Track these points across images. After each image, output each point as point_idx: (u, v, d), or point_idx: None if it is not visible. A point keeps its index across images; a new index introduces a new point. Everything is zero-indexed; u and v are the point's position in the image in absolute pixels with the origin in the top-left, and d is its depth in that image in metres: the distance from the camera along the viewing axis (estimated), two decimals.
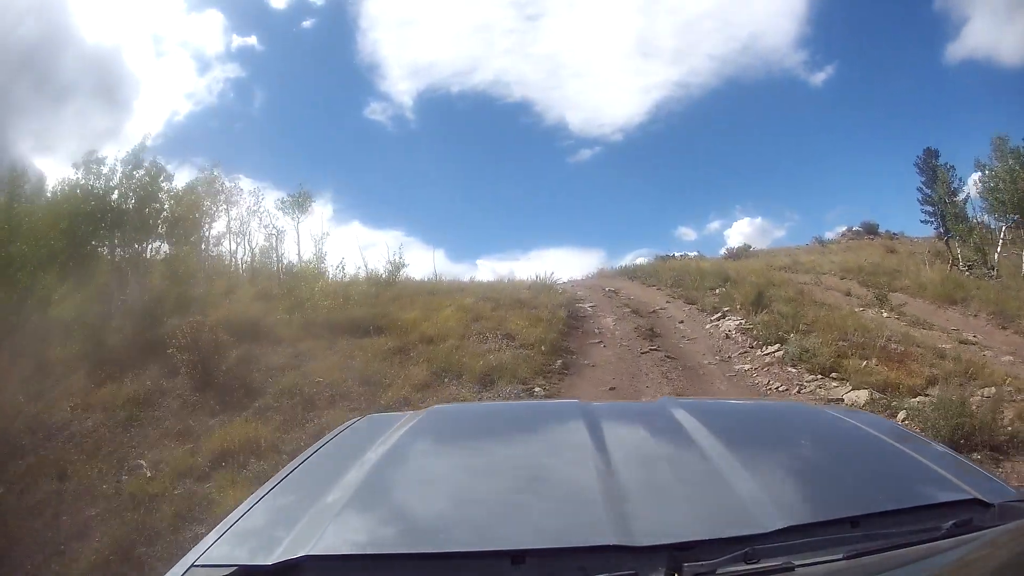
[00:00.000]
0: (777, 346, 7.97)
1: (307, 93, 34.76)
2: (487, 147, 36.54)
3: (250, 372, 7.05)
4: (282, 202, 13.81)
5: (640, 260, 31.14)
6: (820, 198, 36.57)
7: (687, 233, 31.57)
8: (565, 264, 32.82)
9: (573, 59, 35.88)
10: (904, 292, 12.84)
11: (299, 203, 13.64)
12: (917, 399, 5.86)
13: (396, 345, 7.87)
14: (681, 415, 1.29)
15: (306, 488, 1.08)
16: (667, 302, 12.64)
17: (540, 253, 34.93)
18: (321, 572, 0.81)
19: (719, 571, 0.77)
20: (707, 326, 10.06)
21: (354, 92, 34.90)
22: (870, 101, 32.73)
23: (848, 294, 13.31)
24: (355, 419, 1.53)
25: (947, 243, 18.70)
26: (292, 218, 13.64)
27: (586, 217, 36.59)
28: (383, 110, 34.33)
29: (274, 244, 14.13)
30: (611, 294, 14.18)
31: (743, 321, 9.55)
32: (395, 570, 0.83)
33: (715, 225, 35.37)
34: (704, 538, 0.81)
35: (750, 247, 25.67)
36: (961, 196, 29.66)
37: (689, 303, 12.24)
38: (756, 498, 0.89)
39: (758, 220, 31.99)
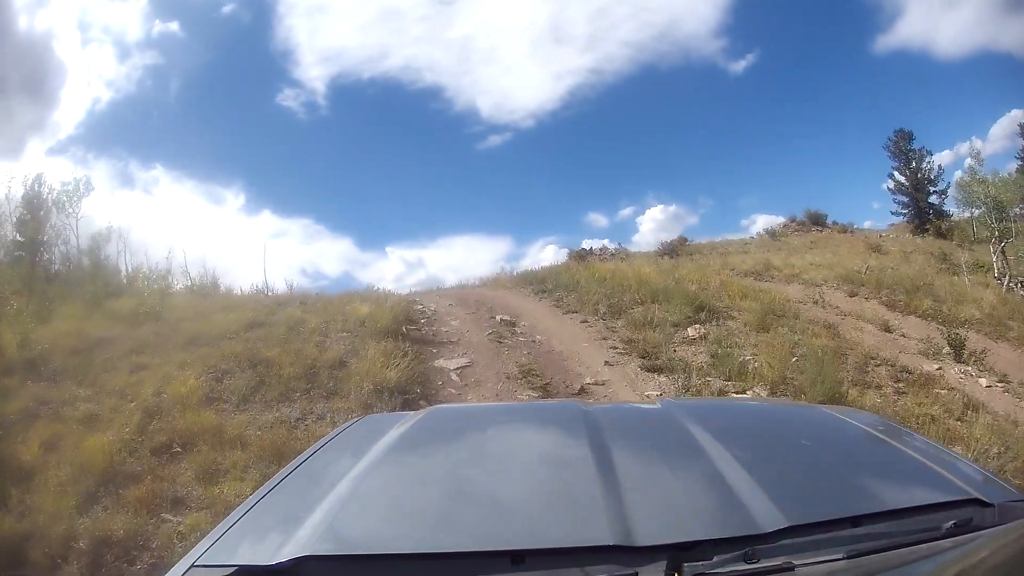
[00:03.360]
0: None
1: (224, 80, 34.09)
2: (397, 133, 35.65)
3: None
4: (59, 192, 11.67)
5: (549, 249, 30.26)
6: (736, 186, 36.15)
7: (598, 219, 30.83)
8: (472, 253, 31.23)
9: (484, 44, 35.16)
10: (968, 325, 9.07)
11: (71, 196, 11.57)
12: None
13: None
14: (681, 415, 1.27)
15: (306, 488, 1.07)
16: (612, 359, 7.24)
17: (448, 240, 33.23)
18: (321, 572, 0.79)
19: (719, 571, 0.77)
20: None
21: (268, 79, 34.55)
22: (792, 91, 32.68)
23: (888, 329, 9.14)
24: (355, 419, 1.54)
25: (1003, 251, 13.36)
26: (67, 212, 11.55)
27: (495, 204, 36.57)
28: (295, 96, 33.25)
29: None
30: (504, 330, 7.98)
31: None
32: (395, 570, 0.82)
33: (627, 212, 34.29)
34: (704, 538, 0.80)
35: (687, 240, 22.17)
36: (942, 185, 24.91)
37: (651, 367, 6.90)
38: (756, 498, 0.88)
39: (672, 207, 30.65)
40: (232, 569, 0.81)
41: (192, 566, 0.83)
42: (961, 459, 1.19)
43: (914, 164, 26.38)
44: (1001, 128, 25.74)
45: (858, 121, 32.35)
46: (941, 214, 25.89)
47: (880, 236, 23.57)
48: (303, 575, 0.78)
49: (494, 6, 34.39)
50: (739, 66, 29.47)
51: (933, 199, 25.00)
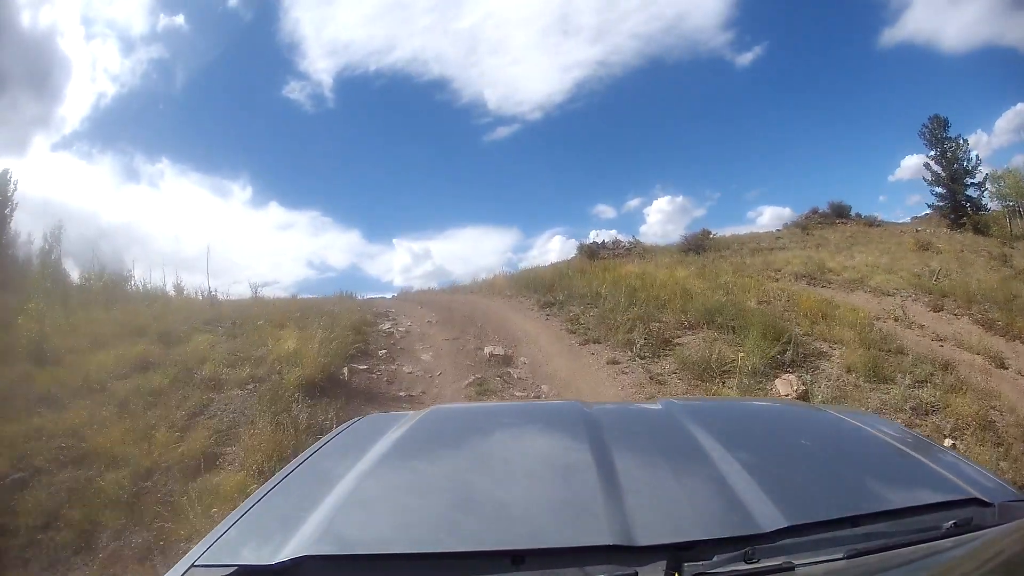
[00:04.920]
0: None
1: (230, 73, 34.03)
2: (404, 125, 36.21)
3: None
4: None
5: (556, 240, 30.80)
6: (742, 178, 37.15)
7: (605, 211, 30.90)
8: (478, 244, 32.20)
9: (492, 36, 34.63)
10: None
11: None
12: None
13: None
14: (681, 415, 1.27)
15: (306, 488, 1.06)
16: None
17: (455, 232, 34.84)
18: (321, 572, 0.80)
19: (719, 571, 0.77)
20: None
21: (275, 71, 34.95)
22: (798, 83, 32.52)
23: (1003, 364, 6.71)
24: (355, 419, 1.50)
25: None
26: None
27: (502, 195, 36.91)
28: (302, 89, 33.29)
29: None
30: (494, 373, 5.15)
31: None
32: (395, 570, 0.82)
33: (634, 203, 33.32)
34: (704, 538, 0.81)
35: (711, 232, 20.10)
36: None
37: None
38: (756, 498, 0.88)
39: (679, 199, 30.41)
40: (232, 569, 0.80)
41: (192, 566, 0.83)
42: (961, 459, 1.17)
43: (950, 154, 23.77)
44: (1007, 122, 26.47)
45: (864, 114, 32.31)
46: (978, 207, 23.48)
47: (917, 231, 21.14)
48: (303, 575, 0.78)
49: None
50: (746, 59, 29.74)
51: (971, 191, 22.50)
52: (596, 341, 6.62)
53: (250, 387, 5.18)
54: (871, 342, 6.67)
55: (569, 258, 20.02)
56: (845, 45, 31.43)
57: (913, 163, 27.46)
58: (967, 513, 0.88)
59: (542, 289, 9.31)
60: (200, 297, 10.89)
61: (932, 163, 22.99)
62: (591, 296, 8.10)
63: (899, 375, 5.76)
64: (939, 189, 22.71)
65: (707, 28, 37.09)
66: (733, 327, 6.50)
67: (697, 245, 16.41)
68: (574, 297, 8.37)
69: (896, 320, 8.30)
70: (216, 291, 11.46)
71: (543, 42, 34.73)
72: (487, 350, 6.40)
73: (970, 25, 31.54)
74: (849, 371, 5.83)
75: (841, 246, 16.21)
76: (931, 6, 30.79)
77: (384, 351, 6.67)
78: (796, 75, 32.46)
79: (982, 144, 27.18)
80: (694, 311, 7.04)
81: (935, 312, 9.05)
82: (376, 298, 16.33)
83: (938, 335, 7.76)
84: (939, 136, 23.22)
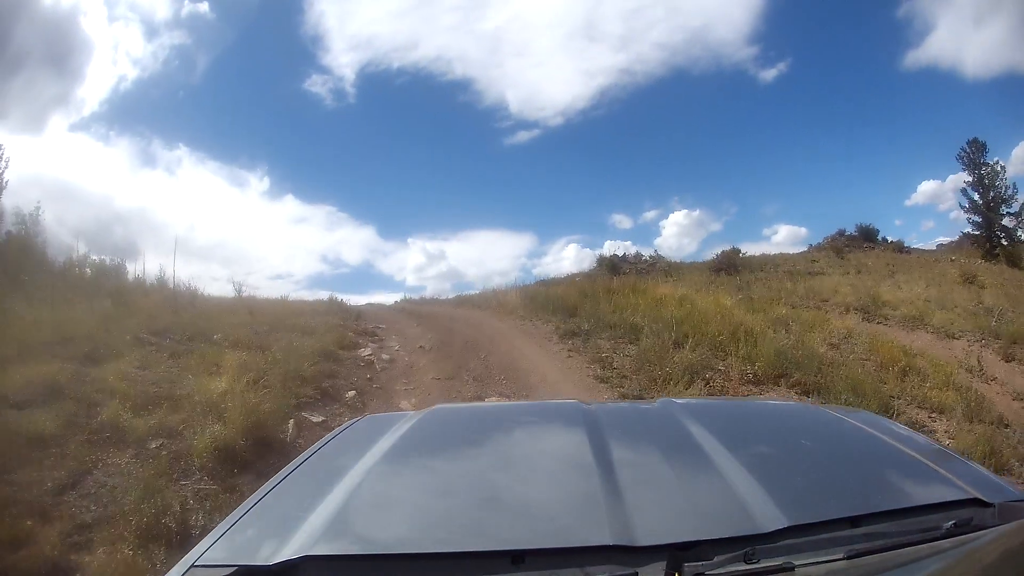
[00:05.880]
0: None
1: (251, 63, 33.47)
2: (425, 124, 35.84)
3: None
4: None
5: (571, 248, 29.70)
6: (759, 195, 36.73)
7: (622, 221, 30.70)
8: (494, 248, 32.09)
9: (517, 37, 34.35)
10: None
11: None
12: None
13: None
14: (681, 415, 1.27)
15: (306, 488, 1.07)
16: None
17: (470, 234, 34.10)
18: (321, 572, 0.80)
19: (719, 571, 0.77)
20: None
21: (297, 64, 34.94)
22: (820, 102, 32.11)
23: None
24: (355, 419, 1.51)
25: None
26: None
27: (519, 200, 36.20)
28: (323, 82, 32.61)
29: None
30: None
31: None
32: (395, 570, 0.82)
33: (651, 215, 34.07)
34: (704, 538, 0.81)
35: (739, 251, 19.19)
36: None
37: None
38: (756, 498, 0.88)
39: (696, 212, 30.05)
40: (232, 569, 0.80)
41: (192, 566, 0.83)
42: (961, 459, 1.16)
43: (987, 180, 22.45)
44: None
45: (883, 137, 31.85)
46: (1012, 238, 22.37)
47: (952, 260, 20.00)
48: (303, 575, 0.78)
49: None
50: (769, 74, 29.52)
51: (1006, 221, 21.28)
52: (638, 396, 5.16)
53: (154, 446, 3.78)
54: (972, 411, 5.44)
55: (588, 269, 18.93)
56: (869, 66, 31.40)
57: (930, 188, 27.69)
58: (967, 513, 0.88)
59: (562, 312, 7.86)
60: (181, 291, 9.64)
61: (969, 189, 21.71)
62: (624, 327, 6.67)
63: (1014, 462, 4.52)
64: (976, 217, 21.42)
65: (732, 41, 36.97)
66: (814, 385, 5.13)
67: (729, 264, 15.11)
68: (602, 326, 6.95)
69: (969, 371, 7.24)
70: (195, 287, 10.15)
71: (568, 46, 34.47)
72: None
73: (990, 50, 31.20)
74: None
75: (882, 273, 14.90)
76: (954, 29, 30.03)
77: (353, 391, 5.31)
78: (818, 93, 32.14)
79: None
80: (759, 358, 5.66)
81: (1007, 362, 7.96)
82: (372, 305, 14.93)
83: (1017, 393, 6.74)
84: (976, 161, 21.92)
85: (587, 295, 8.58)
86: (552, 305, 8.20)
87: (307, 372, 5.27)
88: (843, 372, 5.52)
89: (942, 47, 30.81)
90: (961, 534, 0.83)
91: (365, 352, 6.37)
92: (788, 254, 21.57)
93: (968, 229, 22.31)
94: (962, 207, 22.39)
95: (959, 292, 13.04)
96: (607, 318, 7.14)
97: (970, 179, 21.97)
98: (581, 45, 34.12)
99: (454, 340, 7.22)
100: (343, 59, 37.28)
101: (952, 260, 19.84)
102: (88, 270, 9.84)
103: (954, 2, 30.06)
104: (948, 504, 0.90)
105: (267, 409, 4.23)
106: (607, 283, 9.92)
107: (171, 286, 11.27)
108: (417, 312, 10.66)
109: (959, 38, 30.80)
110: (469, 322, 8.57)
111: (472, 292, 14.01)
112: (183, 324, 6.87)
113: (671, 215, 31.60)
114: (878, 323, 9.91)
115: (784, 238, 30.04)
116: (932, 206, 30.45)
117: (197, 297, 10.52)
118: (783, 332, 6.77)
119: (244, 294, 12.38)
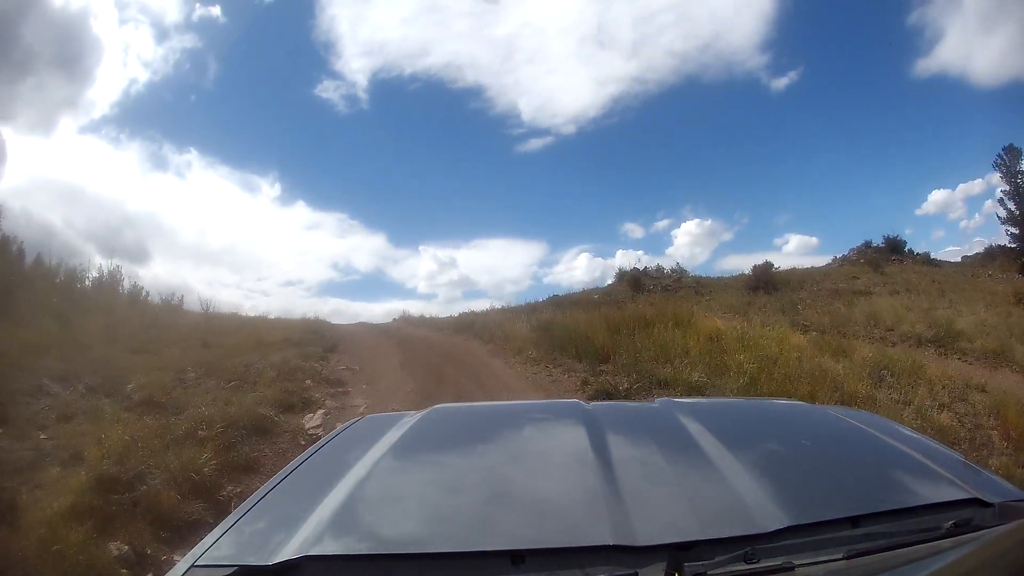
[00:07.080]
0: None
1: (263, 68, 34.24)
2: (436, 131, 35.77)
3: None
4: None
5: (583, 257, 29.48)
6: (771, 204, 36.57)
7: (634, 230, 30.53)
8: (505, 256, 32.48)
9: (529, 44, 34.43)
10: None
11: None
12: None
13: None
14: (681, 415, 1.27)
15: (306, 488, 1.07)
16: None
17: (482, 242, 33.72)
18: (321, 572, 0.80)
19: (719, 571, 0.77)
20: None
21: (309, 69, 34.46)
22: (831, 110, 32.56)
23: None
24: (355, 419, 1.52)
25: None
26: None
27: (531, 208, 36.74)
28: (335, 88, 32.74)
29: None
30: None
31: None
32: (395, 570, 0.82)
33: (663, 224, 33.09)
34: (704, 538, 0.81)
35: (773, 265, 17.80)
36: None
37: None
38: (756, 498, 0.89)
39: (708, 222, 30.15)
40: (232, 569, 0.80)
41: (192, 566, 0.83)
42: (961, 459, 1.16)
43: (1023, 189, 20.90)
44: None
45: (894, 146, 32.20)
46: None
47: (989, 276, 18.52)
48: (303, 575, 0.79)
49: (539, 5, 34.34)
50: (781, 83, 29.46)
51: None
52: None
53: None
54: None
55: (607, 285, 17.37)
56: (879, 74, 31.57)
57: (940, 197, 27.28)
58: (967, 513, 0.89)
59: (588, 354, 6.04)
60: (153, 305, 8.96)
61: (1007, 199, 20.22)
62: (680, 386, 4.92)
63: None
64: (1012, 229, 19.93)
65: (743, 49, 37.14)
66: None
67: (766, 282, 13.54)
68: (647, 382, 5.17)
69: None
70: (177, 300, 9.93)
71: (579, 52, 34.33)
72: None
73: (999, 58, 30.86)
74: None
75: (931, 293, 13.34)
76: (963, 37, 29.92)
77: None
78: (829, 102, 32.41)
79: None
80: None
81: None
82: (362, 325, 13.29)
83: None
84: (1014, 169, 20.44)
85: (616, 328, 6.84)
86: (574, 344, 6.46)
87: (206, 467, 3.49)
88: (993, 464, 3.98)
89: (951, 55, 30.95)
90: (961, 534, 0.83)
91: (312, 421, 4.72)
92: (820, 268, 20.72)
93: (979, 239, 21.14)
94: (999, 218, 21.06)
95: (1018, 313, 11.54)
96: (650, 368, 5.39)
97: (1007, 188, 20.57)
98: (593, 51, 34.24)
99: (444, 390, 5.55)
100: (355, 65, 37.84)
101: (990, 275, 18.37)
102: (60, 277, 8.71)
103: (963, 10, 30.06)
104: (948, 504, 0.91)
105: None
106: (635, 308, 8.23)
107: (143, 298, 9.98)
108: (408, 341, 9.06)
109: (968, 46, 30.91)
110: (466, 364, 6.96)
111: (480, 301, 12.50)
112: (109, 362, 5.33)
113: (683, 224, 31.18)
114: (957, 359, 8.36)
115: (795, 248, 29.31)
116: (942, 215, 29.61)
117: (161, 316, 9.21)
118: (884, 388, 5.18)
119: (211, 311, 10.75)
